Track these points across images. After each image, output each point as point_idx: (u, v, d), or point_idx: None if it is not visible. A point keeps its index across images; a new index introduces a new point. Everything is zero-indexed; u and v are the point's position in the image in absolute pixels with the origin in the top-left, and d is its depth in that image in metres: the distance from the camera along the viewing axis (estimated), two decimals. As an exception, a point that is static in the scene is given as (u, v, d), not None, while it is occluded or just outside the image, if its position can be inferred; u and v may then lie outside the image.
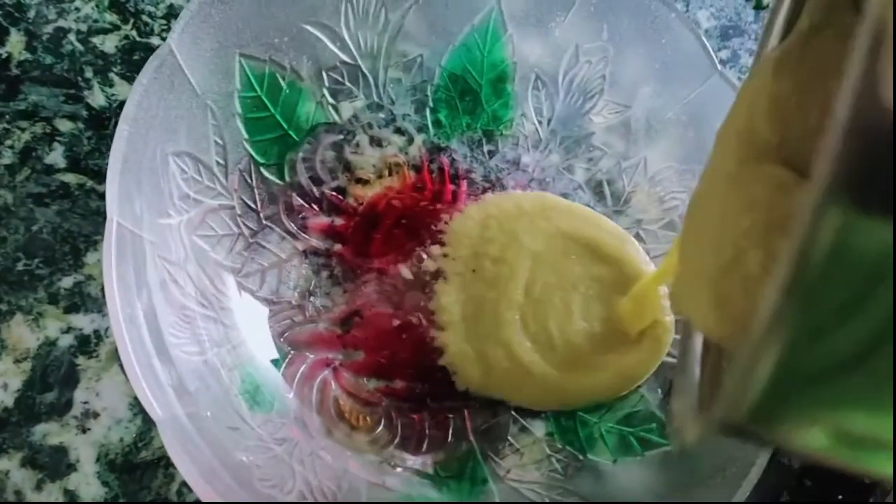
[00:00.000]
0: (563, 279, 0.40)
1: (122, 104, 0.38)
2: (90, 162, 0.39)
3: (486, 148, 0.43)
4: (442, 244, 0.40)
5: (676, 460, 0.35)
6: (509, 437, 0.37)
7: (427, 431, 0.37)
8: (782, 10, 0.28)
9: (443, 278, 0.40)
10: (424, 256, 0.40)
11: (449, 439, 0.37)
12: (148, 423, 0.36)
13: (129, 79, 0.41)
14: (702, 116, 0.40)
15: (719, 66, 0.39)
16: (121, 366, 0.28)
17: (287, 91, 0.38)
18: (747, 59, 0.50)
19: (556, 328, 0.39)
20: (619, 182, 0.43)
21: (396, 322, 0.39)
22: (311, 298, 0.38)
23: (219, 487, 0.28)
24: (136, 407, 0.36)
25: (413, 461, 0.36)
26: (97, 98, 0.41)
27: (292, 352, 0.37)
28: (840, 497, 0.40)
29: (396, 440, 0.36)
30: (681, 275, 0.28)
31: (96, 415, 0.36)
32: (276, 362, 0.36)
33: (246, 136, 0.37)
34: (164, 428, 0.28)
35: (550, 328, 0.39)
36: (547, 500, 0.35)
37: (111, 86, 0.41)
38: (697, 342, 0.30)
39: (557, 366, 0.38)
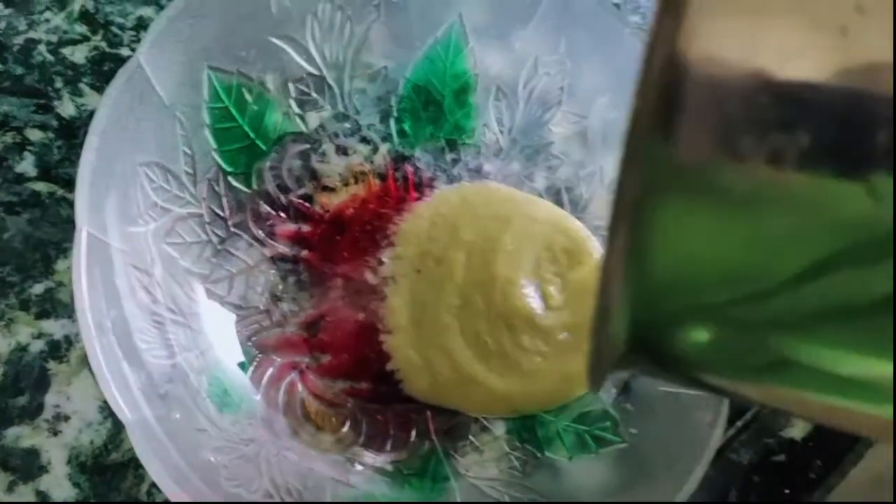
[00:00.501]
0: (514, 283, 0.39)
1: (92, 114, 0.39)
2: (60, 171, 0.40)
3: (449, 156, 0.44)
4: (393, 245, 0.41)
5: (628, 457, 0.37)
6: (470, 436, 0.39)
7: (391, 431, 0.38)
8: None
9: (392, 280, 0.40)
10: (384, 260, 0.41)
11: (412, 439, 0.38)
12: (118, 426, 0.37)
13: (99, 89, 0.42)
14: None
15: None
16: (91, 370, 0.29)
17: (254, 102, 0.40)
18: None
19: (493, 333, 0.38)
20: (578, 189, 0.44)
21: (359, 326, 0.40)
22: (279, 303, 0.39)
23: (187, 488, 0.29)
24: (106, 410, 0.37)
25: (377, 459, 0.37)
26: (67, 108, 0.42)
27: (260, 355, 0.38)
28: (787, 492, 0.42)
29: (361, 439, 0.38)
30: None
31: (67, 418, 0.37)
32: (243, 366, 0.37)
33: (214, 146, 0.38)
34: (133, 430, 0.29)
35: (486, 333, 0.38)
36: (506, 498, 0.37)
37: (81, 96, 0.42)
38: None
39: (502, 373, 0.38)
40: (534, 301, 0.39)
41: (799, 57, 0.16)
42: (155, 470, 0.29)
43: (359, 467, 0.37)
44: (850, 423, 0.22)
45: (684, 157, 0.17)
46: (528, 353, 0.39)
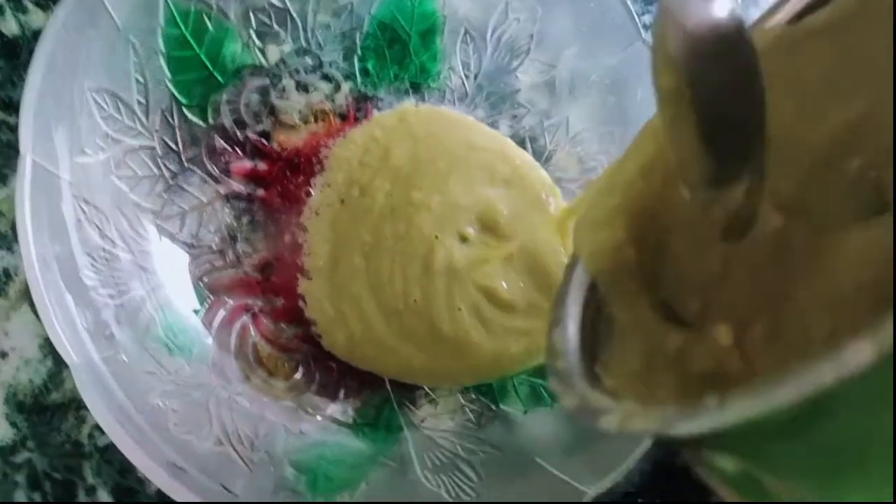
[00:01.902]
0: (433, 210, 0.37)
1: (36, 34, 0.37)
2: (1, 92, 0.38)
3: (412, 99, 0.43)
4: (322, 171, 0.39)
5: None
6: (424, 387, 0.38)
7: (344, 379, 0.38)
8: None
9: (315, 213, 0.38)
10: (311, 191, 0.39)
11: (365, 387, 0.38)
12: (59, 365, 0.35)
13: (44, 6, 0.39)
14: (623, 81, 0.41)
15: (643, 33, 0.40)
16: (31, 305, 0.28)
17: (213, 30, 0.37)
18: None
19: (401, 279, 0.36)
20: (542, 140, 0.43)
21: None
22: (233, 244, 0.38)
23: (133, 432, 0.28)
24: (47, 347, 0.35)
25: (330, 408, 0.37)
26: (9, 25, 0.39)
27: (212, 297, 0.37)
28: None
29: (314, 387, 0.37)
30: (589, 211, 0.28)
31: (5, 355, 0.35)
32: (195, 309, 0.36)
33: (169, 75, 0.36)
34: (78, 373, 0.27)
35: (400, 284, 0.36)
36: (459, 449, 0.36)
37: (25, 13, 0.39)
38: (577, 288, 0.28)
39: (407, 338, 0.36)
40: (454, 242, 0.37)
41: None
42: (100, 413, 0.28)
43: (311, 415, 0.36)
44: None
45: None
46: (446, 314, 0.36)
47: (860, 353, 0.14)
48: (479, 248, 0.37)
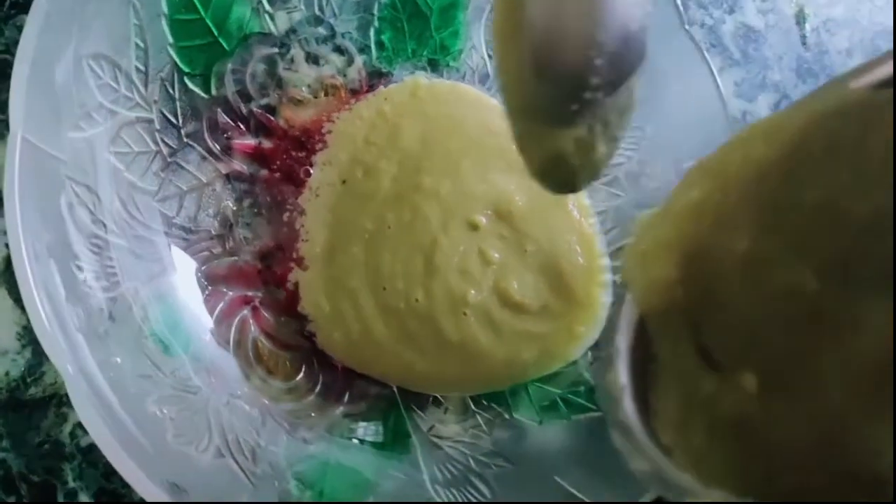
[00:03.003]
0: (441, 198, 0.33)
1: None
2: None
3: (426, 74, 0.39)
4: (324, 147, 0.35)
5: (601, 428, 0.35)
6: (432, 392, 0.36)
7: (348, 381, 0.35)
8: None
9: (315, 194, 0.35)
10: (311, 169, 0.36)
11: (371, 390, 0.35)
12: (39, 357, 0.32)
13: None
14: (659, 73, 0.38)
15: (686, 25, 0.37)
16: (9, 290, 0.25)
17: (220, -8, 0.34)
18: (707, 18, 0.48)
19: (411, 280, 0.32)
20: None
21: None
22: (233, 229, 0.35)
23: (131, 449, 0.25)
24: (27, 337, 0.32)
25: (333, 412, 0.34)
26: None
27: (210, 287, 0.34)
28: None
29: (317, 388, 0.34)
30: (640, 242, 0.26)
31: (-22, 344, 0.32)
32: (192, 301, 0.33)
33: (171, 40, 0.33)
34: (74, 388, 0.24)
35: (401, 281, 0.33)
36: (470, 460, 0.34)
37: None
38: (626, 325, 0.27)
39: (407, 343, 0.33)
40: (462, 234, 0.33)
41: None
42: (95, 428, 0.25)
43: (314, 421, 0.33)
44: None
45: None
46: (450, 317, 0.33)
47: None
48: (490, 240, 0.34)
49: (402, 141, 0.35)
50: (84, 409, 0.25)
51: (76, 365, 0.25)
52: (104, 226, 0.30)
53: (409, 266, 0.33)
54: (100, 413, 0.25)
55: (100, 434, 0.25)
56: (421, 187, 0.34)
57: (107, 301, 0.29)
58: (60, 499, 0.32)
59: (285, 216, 0.35)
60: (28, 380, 0.32)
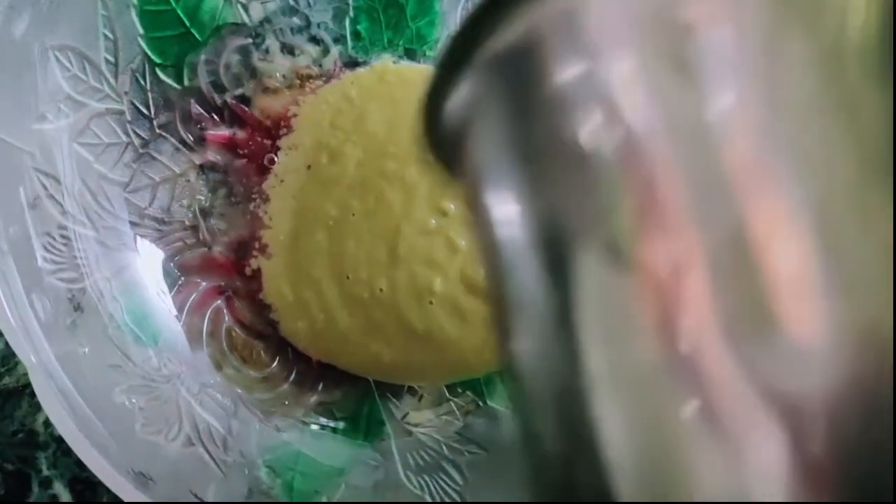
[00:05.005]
0: (406, 183, 0.33)
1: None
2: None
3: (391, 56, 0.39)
4: (289, 131, 0.35)
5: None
6: (407, 380, 0.36)
7: (323, 370, 0.35)
8: None
9: (280, 180, 0.34)
10: (276, 156, 0.35)
11: (345, 379, 0.35)
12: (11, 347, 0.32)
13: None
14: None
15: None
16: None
17: (191, -18, 0.34)
18: None
19: (374, 270, 0.32)
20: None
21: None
22: (206, 219, 0.35)
23: (95, 439, 0.25)
24: None
25: (308, 401, 0.34)
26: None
27: (182, 278, 0.34)
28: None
29: (292, 377, 0.35)
30: None
31: (-49, 334, 0.32)
32: (163, 291, 0.33)
33: (141, 30, 0.33)
34: (35, 374, 0.25)
35: (365, 270, 0.32)
36: (443, 447, 0.34)
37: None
38: None
39: (372, 334, 0.32)
40: (426, 221, 0.33)
41: None
42: (59, 420, 0.25)
43: (287, 409, 0.33)
44: None
45: None
46: (415, 307, 0.33)
47: None
48: (457, 227, 0.33)
49: (369, 125, 0.35)
50: (47, 400, 0.25)
51: (39, 356, 0.25)
52: (72, 217, 0.30)
53: (373, 254, 0.33)
54: (62, 404, 0.25)
55: (63, 424, 0.25)
56: (385, 172, 0.34)
57: (74, 292, 0.29)
58: (35, 487, 0.32)
59: (251, 205, 0.35)
60: (1, 370, 0.32)
